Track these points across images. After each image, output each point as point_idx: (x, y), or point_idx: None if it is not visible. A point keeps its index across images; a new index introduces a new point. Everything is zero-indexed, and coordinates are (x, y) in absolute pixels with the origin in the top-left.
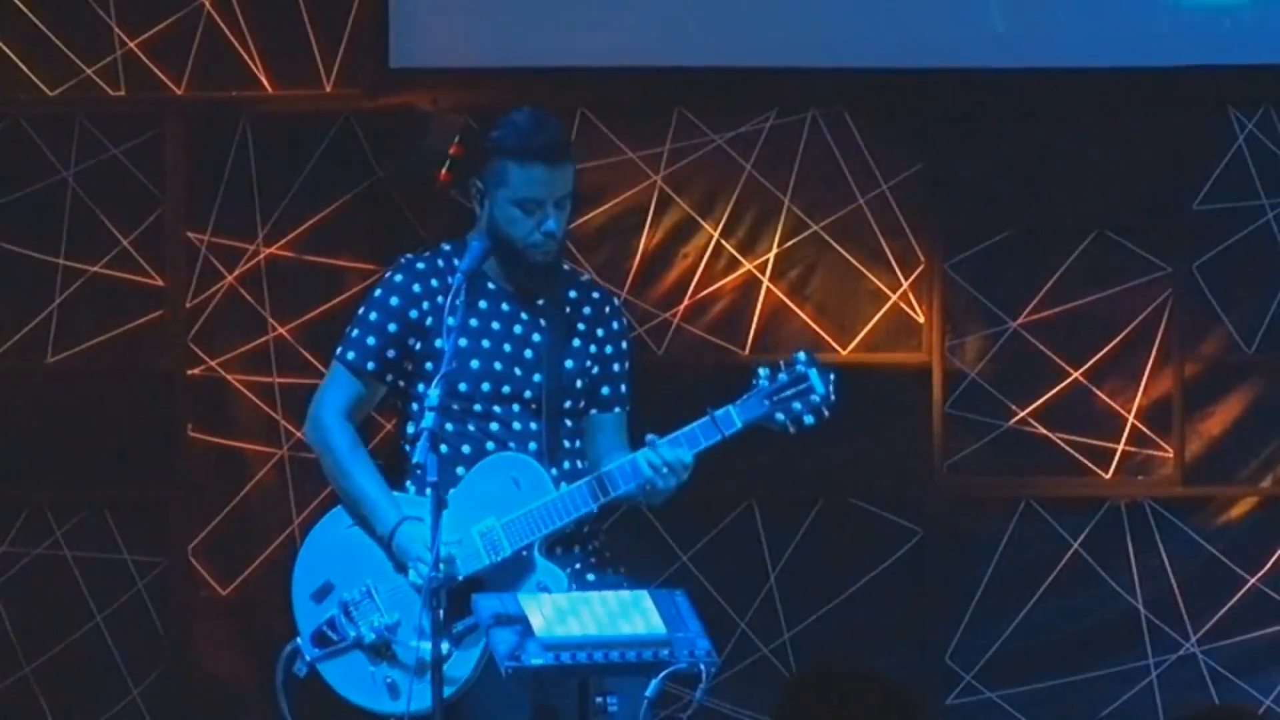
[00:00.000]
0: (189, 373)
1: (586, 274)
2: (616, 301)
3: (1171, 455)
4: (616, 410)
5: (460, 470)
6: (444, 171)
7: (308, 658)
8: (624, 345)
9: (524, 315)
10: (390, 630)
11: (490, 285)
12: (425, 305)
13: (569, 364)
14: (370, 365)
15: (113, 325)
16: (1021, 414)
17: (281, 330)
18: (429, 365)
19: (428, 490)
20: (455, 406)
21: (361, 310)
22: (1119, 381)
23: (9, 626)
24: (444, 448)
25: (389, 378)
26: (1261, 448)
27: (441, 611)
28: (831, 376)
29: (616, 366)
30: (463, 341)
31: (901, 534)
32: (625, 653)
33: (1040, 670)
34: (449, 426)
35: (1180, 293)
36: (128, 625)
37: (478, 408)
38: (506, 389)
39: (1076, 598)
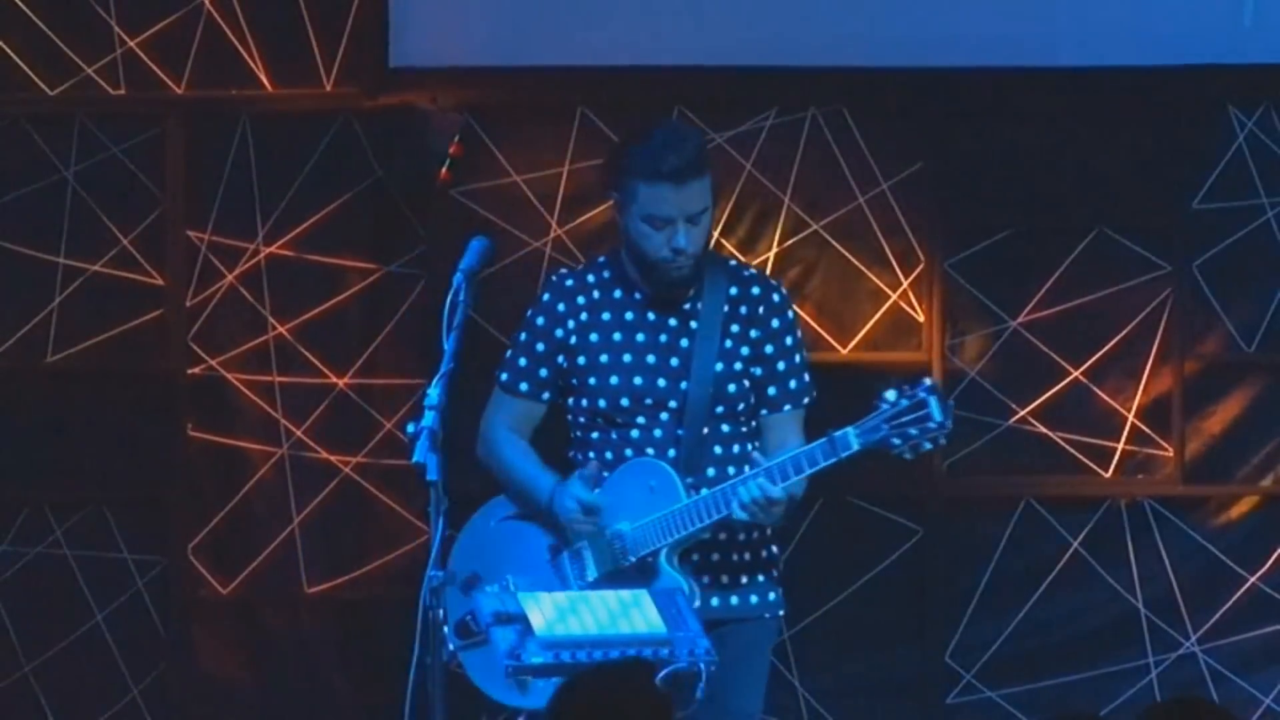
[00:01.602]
0: (189, 372)
1: (752, 269)
2: (776, 297)
3: (1171, 455)
4: (787, 408)
5: (605, 474)
6: (444, 171)
7: (450, 646)
8: (788, 341)
9: (672, 322)
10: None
11: (636, 295)
12: (570, 323)
13: (719, 367)
14: (523, 385)
15: (113, 325)
16: (1021, 413)
17: (282, 329)
18: (574, 382)
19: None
20: (599, 419)
21: (516, 330)
22: (1119, 381)
23: (9, 626)
24: (592, 454)
25: (545, 395)
26: (1261, 447)
27: (441, 611)
28: (951, 404)
29: (782, 364)
30: (604, 357)
31: (901, 534)
32: (625, 651)
33: (1040, 670)
34: (594, 435)
35: (1180, 292)
36: (128, 625)
37: (620, 420)
38: (649, 400)
39: (1076, 598)
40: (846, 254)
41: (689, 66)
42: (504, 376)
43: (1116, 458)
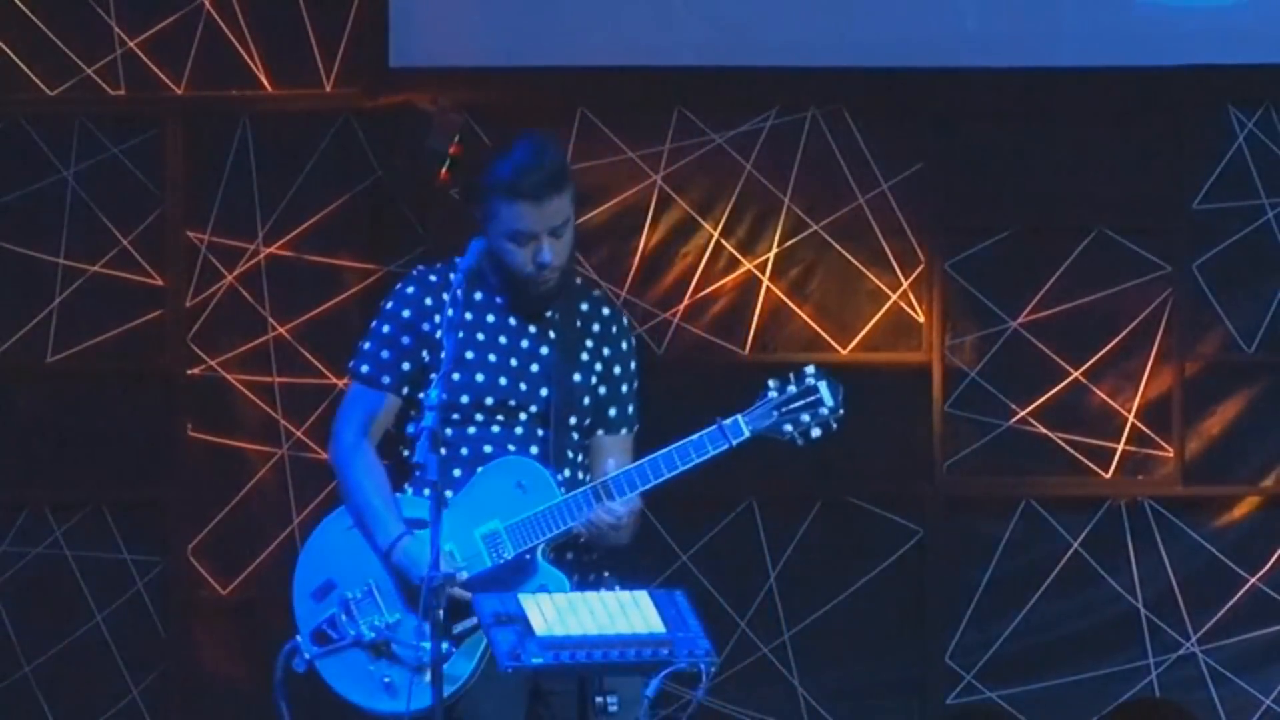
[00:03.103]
0: (189, 373)
1: (600, 289)
2: (625, 321)
3: (1171, 455)
4: (623, 432)
5: (458, 472)
6: (444, 171)
7: (307, 655)
8: (632, 366)
9: (532, 329)
10: (391, 629)
11: (498, 299)
12: (437, 318)
13: (577, 378)
14: (385, 379)
15: (113, 325)
16: (1021, 413)
17: (281, 330)
18: (432, 376)
19: (426, 490)
20: (456, 415)
21: (374, 322)
22: (1119, 381)
23: (9, 626)
24: (443, 450)
25: (405, 390)
26: (1261, 447)
27: (441, 611)
28: (840, 390)
29: (624, 388)
30: (469, 354)
31: (901, 534)
32: (625, 652)
33: (1040, 670)
34: (448, 431)
35: (1180, 293)
36: (128, 625)
37: (479, 417)
38: (512, 402)
39: (1076, 598)
40: (846, 254)
41: (689, 66)
42: (365, 369)
43: (1116, 458)
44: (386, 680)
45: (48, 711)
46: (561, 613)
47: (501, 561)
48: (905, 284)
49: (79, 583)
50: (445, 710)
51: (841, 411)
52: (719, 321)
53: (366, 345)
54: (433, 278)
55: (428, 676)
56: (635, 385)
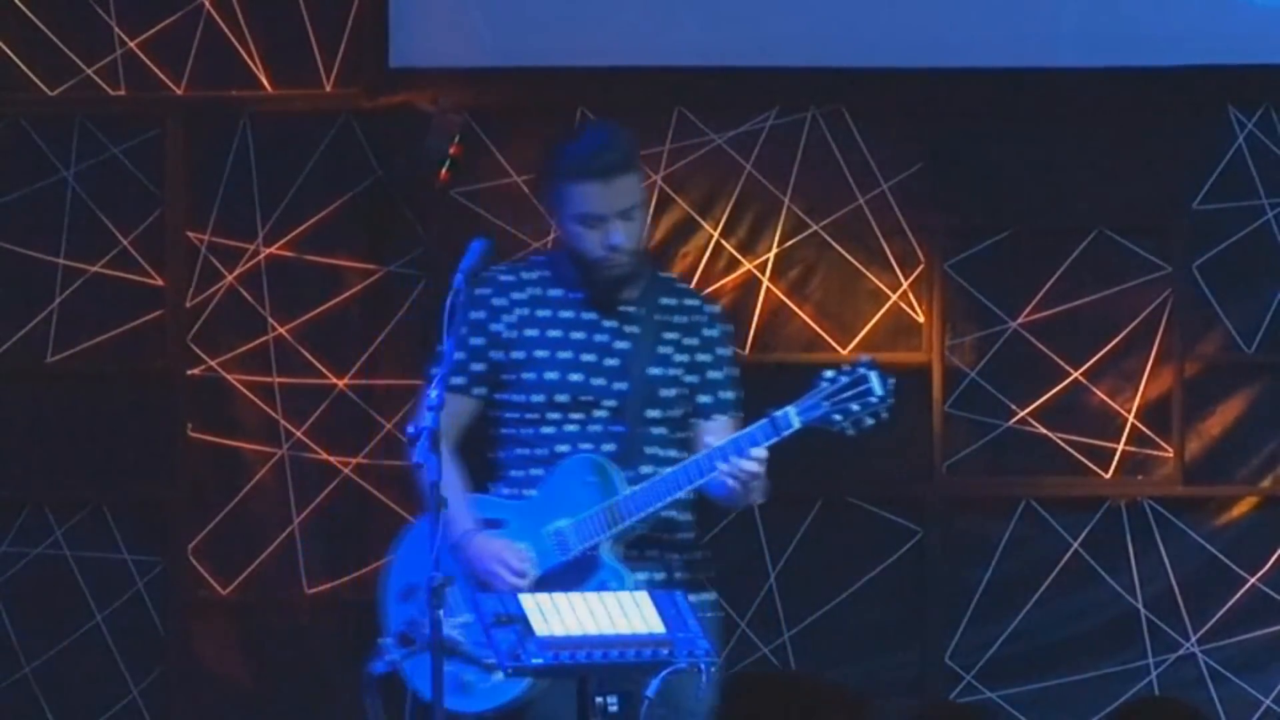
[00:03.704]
0: (189, 373)
1: (686, 282)
2: (713, 309)
3: (1171, 455)
4: (719, 418)
5: (536, 471)
6: (444, 171)
7: (392, 657)
8: (721, 352)
9: (608, 323)
10: (463, 629)
11: (576, 294)
12: (508, 318)
13: (654, 371)
14: (458, 379)
15: (113, 325)
16: (1021, 414)
17: (281, 330)
18: (505, 376)
19: (508, 490)
20: (533, 415)
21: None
22: (1119, 381)
23: (9, 626)
24: (523, 450)
25: (478, 390)
26: (1261, 448)
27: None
28: (890, 380)
29: (714, 374)
30: (541, 352)
31: (901, 534)
32: (625, 652)
33: (1040, 670)
34: (528, 430)
35: (1180, 293)
36: (128, 625)
37: (554, 415)
38: (586, 397)
39: (1076, 598)
40: (846, 254)
41: (689, 66)
42: (432, 370)
43: (1116, 458)
44: (464, 680)
45: (48, 711)
46: (562, 613)
47: (566, 558)
48: (905, 284)
49: (79, 583)
50: (520, 708)
51: (890, 400)
52: None
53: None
54: (505, 277)
55: (500, 675)
56: (730, 371)
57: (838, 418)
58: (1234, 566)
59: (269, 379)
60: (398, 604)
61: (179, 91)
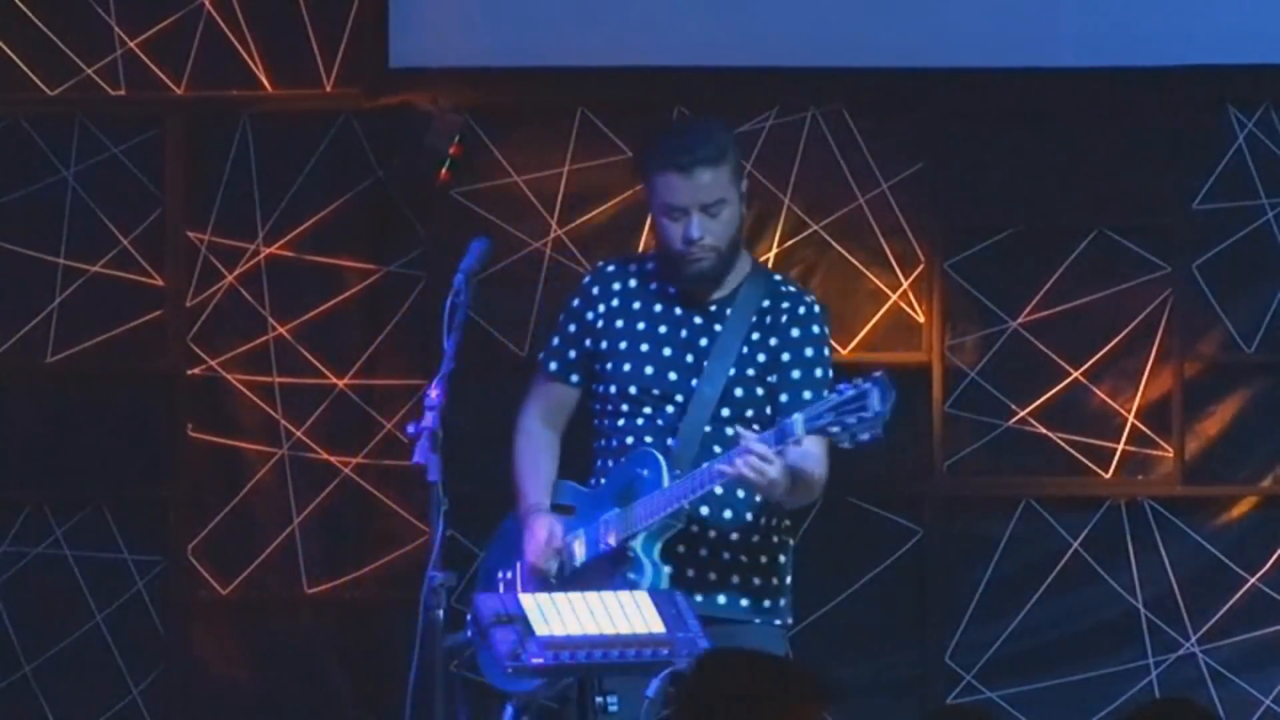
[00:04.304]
0: (189, 373)
1: (795, 285)
2: (804, 310)
3: (1171, 455)
4: (796, 417)
5: (610, 461)
6: (444, 171)
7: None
8: (807, 353)
9: (696, 319)
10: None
11: (671, 289)
12: (601, 307)
13: (732, 371)
14: (553, 365)
15: (113, 325)
16: (1021, 413)
17: (281, 330)
18: (598, 366)
19: (603, 480)
20: (608, 406)
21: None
22: (1119, 381)
23: (9, 626)
24: (603, 440)
25: (573, 378)
26: (1261, 448)
27: (441, 612)
28: (893, 395)
29: (796, 374)
30: (624, 344)
31: (901, 534)
32: (625, 652)
33: (1040, 670)
34: (605, 421)
35: (1180, 292)
36: (128, 625)
37: (625, 407)
38: (656, 391)
39: (1076, 598)
40: (846, 254)
41: (689, 66)
42: (540, 356)
43: (1116, 458)
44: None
45: (48, 711)
46: (562, 613)
47: (600, 550)
48: (905, 284)
49: (79, 583)
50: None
51: (886, 416)
52: None
53: (549, 335)
54: (610, 268)
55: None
56: (813, 373)
57: (835, 430)
58: (1234, 566)
59: (269, 379)
60: (481, 592)
61: (179, 91)
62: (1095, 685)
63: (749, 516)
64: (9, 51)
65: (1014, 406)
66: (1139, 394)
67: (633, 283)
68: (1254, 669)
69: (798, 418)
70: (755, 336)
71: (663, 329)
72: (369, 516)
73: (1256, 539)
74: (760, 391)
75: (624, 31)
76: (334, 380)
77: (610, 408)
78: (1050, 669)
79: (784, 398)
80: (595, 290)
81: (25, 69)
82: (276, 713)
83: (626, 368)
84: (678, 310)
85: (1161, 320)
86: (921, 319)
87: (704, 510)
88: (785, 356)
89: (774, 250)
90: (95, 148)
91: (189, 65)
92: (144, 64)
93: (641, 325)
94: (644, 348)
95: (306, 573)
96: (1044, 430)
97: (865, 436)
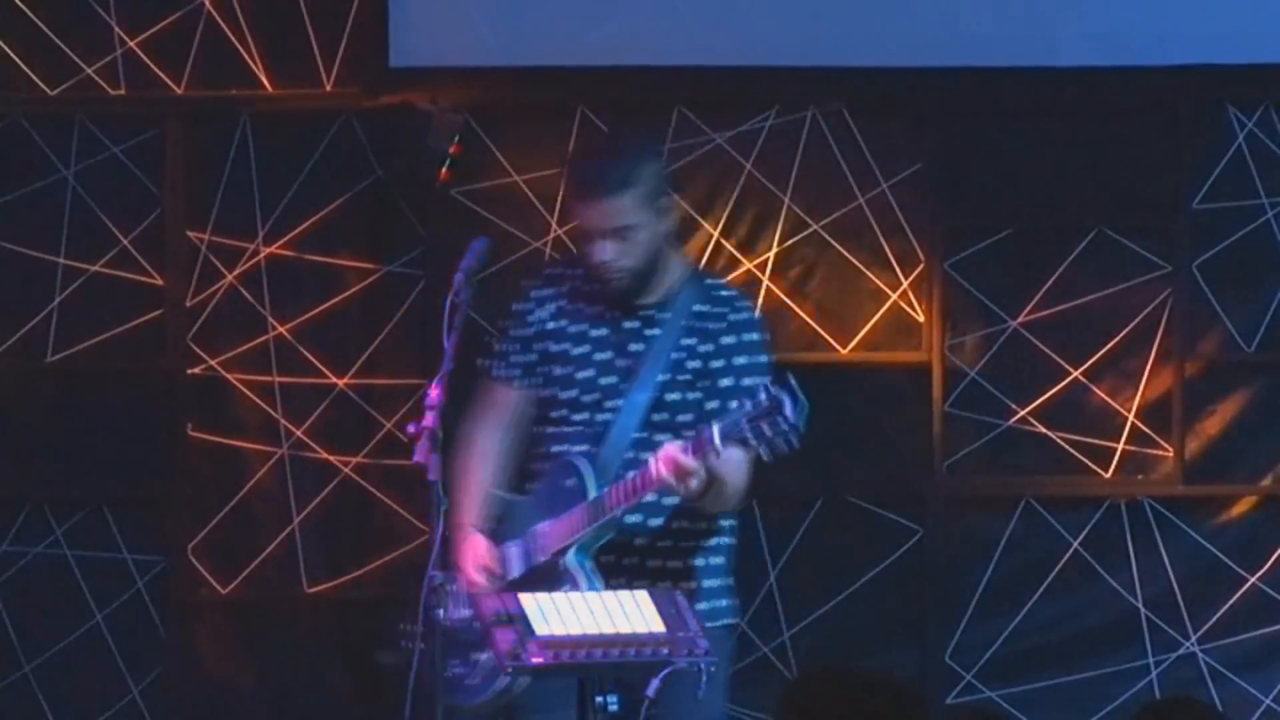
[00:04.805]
0: (189, 372)
1: (730, 288)
2: (739, 315)
3: (1171, 455)
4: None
5: (541, 467)
6: (444, 171)
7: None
8: (738, 361)
9: (627, 325)
10: (463, 624)
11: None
12: (547, 309)
13: (663, 376)
14: (497, 370)
15: (113, 325)
16: (1021, 413)
17: (281, 330)
18: (546, 370)
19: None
20: (549, 410)
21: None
22: (1119, 381)
23: (9, 626)
24: (538, 446)
25: (516, 381)
26: (1261, 447)
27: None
28: (805, 407)
29: (725, 382)
30: (562, 346)
31: (901, 533)
32: (625, 652)
33: (1040, 670)
34: (545, 428)
35: (1180, 292)
36: (128, 625)
37: (560, 412)
38: (588, 398)
39: (1076, 597)
40: (846, 254)
41: (689, 66)
42: (484, 362)
43: (1116, 458)
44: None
45: (48, 711)
46: (562, 613)
47: (534, 563)
48: (905, 284)
49: (79, 583)
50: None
51: (800, 427)
52: None
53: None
54: (552, 270)
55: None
56: (740, 381)
57: (752, 440)
58: (1234, 566)
59: (269, 378)
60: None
61: (179, 91)
62: (1095, 685)
63: (675, 523)
64: (9, 51)
65: (1014, 406)
66: (1139, 393)
67: (578, 284)
68: (1254, 668)
69: (714, 426)
70: (689, 342)
71: (597, 332)
72: (369, 516)
73: (1256, 539)
74: (693, 397)
75: (624, 31)
76: (334, 380)
77: (550, 413)
78: (1050, 669)
79: (712, 405)
80: (545, 292)
81: (25, 69)
82: (276, 713)
83: (557, 372)
84: (613, 315)
85: (1161, 320)
86: (921, 319)
87: (629, 518)
88: (717, 363)
89: (774, 250)
90: (95, 147)
91: (189, 65)
92: (144, 64)
93: (580, 328)
94: (580, 350)
95: (306, 572)
96: (1044, 430)
97: (782, 446)
